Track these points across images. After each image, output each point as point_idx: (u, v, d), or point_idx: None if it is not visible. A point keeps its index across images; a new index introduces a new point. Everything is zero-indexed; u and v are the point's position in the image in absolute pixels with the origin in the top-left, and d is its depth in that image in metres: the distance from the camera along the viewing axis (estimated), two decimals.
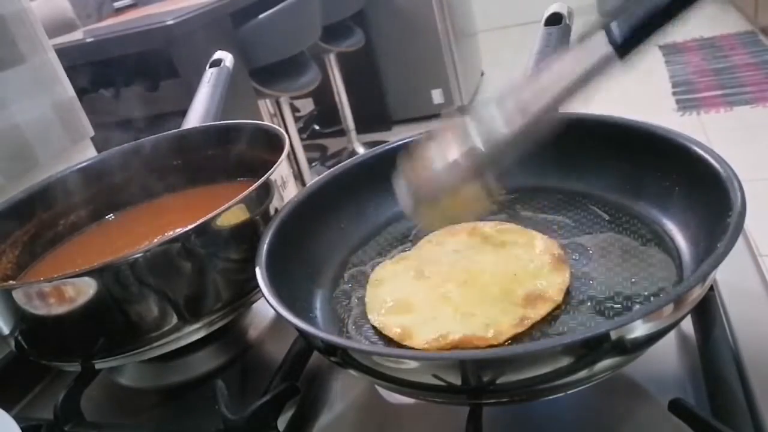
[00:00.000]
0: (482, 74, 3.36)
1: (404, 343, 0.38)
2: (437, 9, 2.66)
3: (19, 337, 0.45)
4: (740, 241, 0.43)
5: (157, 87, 1.67)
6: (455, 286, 0.42)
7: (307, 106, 2.94)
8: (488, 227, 0.47)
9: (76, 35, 1.85)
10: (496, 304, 0.39)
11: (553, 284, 0.40)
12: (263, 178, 0.46)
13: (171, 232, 0.48)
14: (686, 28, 3.23)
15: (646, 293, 0.38)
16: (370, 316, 0.42)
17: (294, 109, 2.56)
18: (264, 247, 0.41)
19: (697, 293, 0.32)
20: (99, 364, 0.44)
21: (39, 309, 0.41)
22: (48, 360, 0.46)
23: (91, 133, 0.75)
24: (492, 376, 0.30)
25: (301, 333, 0.36)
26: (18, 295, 0.41)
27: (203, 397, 0.46)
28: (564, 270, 0.41)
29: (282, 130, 0.53)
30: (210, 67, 0.71)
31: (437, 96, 2.82)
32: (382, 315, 0.41)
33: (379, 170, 0.52)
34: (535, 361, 0.29)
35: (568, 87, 0.35)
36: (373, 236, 0.51)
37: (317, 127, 2.94)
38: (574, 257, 0.43)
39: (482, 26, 3.65)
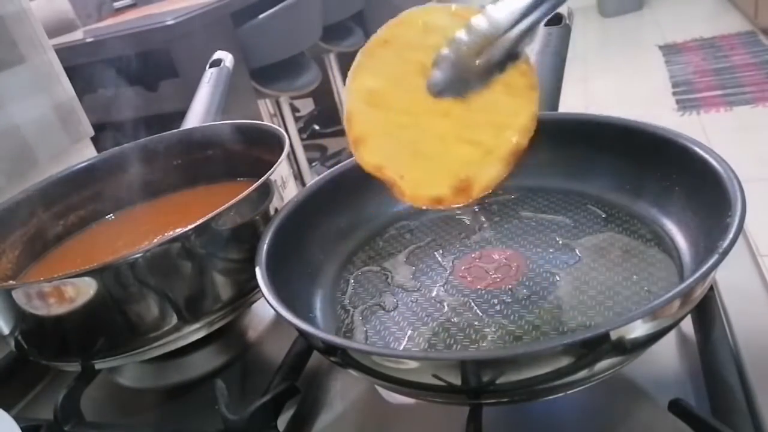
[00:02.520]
0: None
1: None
2: None
3: (19, 337, 0.45)
4: (740, 241, 0.43)
5: (157, 87, 1.67)
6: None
7: (307, 106, 2.94)
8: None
9: (76, 35, 1.85)
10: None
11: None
12: (263, 178, 0.46)
13: (171, 232, 0.48)
14: (686, 28, 3.24)
15: (645, 293, 0.38)
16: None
17: (294, 109, 2.56)
18: (264, 247, 0.41)
19: (697, 293, 0.32)
20: (99, 364, 0.44)
21: (39, 309, 0.41)
22: (48, 360, 0.46)
23: (91, 133, 0.75)
24: (492, 376, 0.30)
25: (301, 333, 0.36)
26: (18, 295, 0.41)
27: (203, 397, 0.46)
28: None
29: (282, 130, 0.53)
30: (210, 67, 0.71)
31: None
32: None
33: None
34: (535, 361, 0.29)
35: None
36: (373, 236, 0.51)
37: (317, 127, 2.94)
38: (573, 257, 0.43)
39: None
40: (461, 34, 0.38)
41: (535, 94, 0.38)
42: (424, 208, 0.40)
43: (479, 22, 0.37)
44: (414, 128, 0.39)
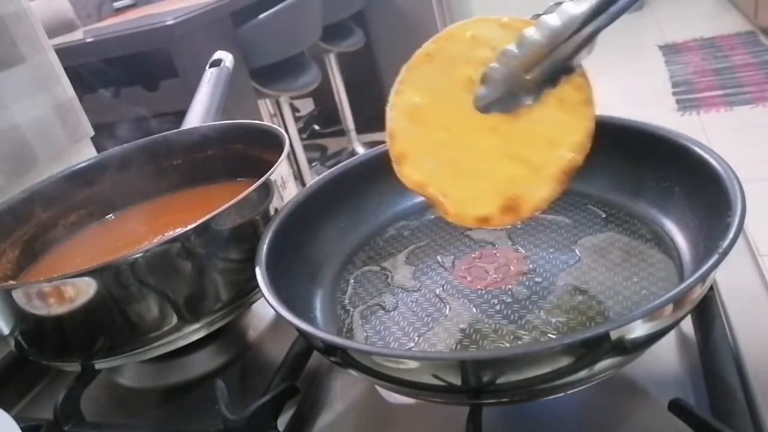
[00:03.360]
0: None
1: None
2: (437, 9, 2.66)
3: (19, 337, 0.45)
4: (740, 241, 0.43)
5: (157, 87, 1.67)
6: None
7: (307, 106, 2.94)
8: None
9: (76, 35, 1.85)
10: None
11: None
12: (263, 178, 0.46)
13: (171, 232, 0.48)
14: (686, 28, 3.24)
15: (645, 293, 0.38)
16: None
17: (294, 109, 2.56)
18: (264, 247, 0.41)
19: (697, 293, 0.32)
20: (99, 364, 0.44)
21: (39, 309, 0.41)
22: (48, 360, 0.46)
23: (91, 133, 0.75)
24: (492, 376, 0.30)
25: (301, 333, 0.36)
26: (18, 295, 0.41)
27: (203, 397, 0.46)
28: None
29: (282, 130, 0.53)
30: (210, 67, 0.71)
31: None
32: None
33: (379, 170, 0.52)
34: (535, 361, 0.29)
35: None
36: (374, 236, 0.51)
37: (317, 127, 2.94)
38: (573, 257, 0.43)
39: None
40: (512, 47, 0.36)
41: (592, 110, 0.37)
42: (470, 227, 0.39)
43: (532, 33, 0.35)
44: (459, 145, 0.38)
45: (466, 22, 0.38)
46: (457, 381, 0.31)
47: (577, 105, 0.37)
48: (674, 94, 2.55)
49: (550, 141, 0.37)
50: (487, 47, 0.37)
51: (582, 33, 0.34)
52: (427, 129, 0.39)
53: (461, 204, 0.38)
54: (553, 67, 0.36)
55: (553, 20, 0.35)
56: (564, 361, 0.29)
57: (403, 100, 0.39)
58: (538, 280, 0.42)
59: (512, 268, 0.44)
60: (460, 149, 0.38)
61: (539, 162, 0.37)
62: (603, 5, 0.34)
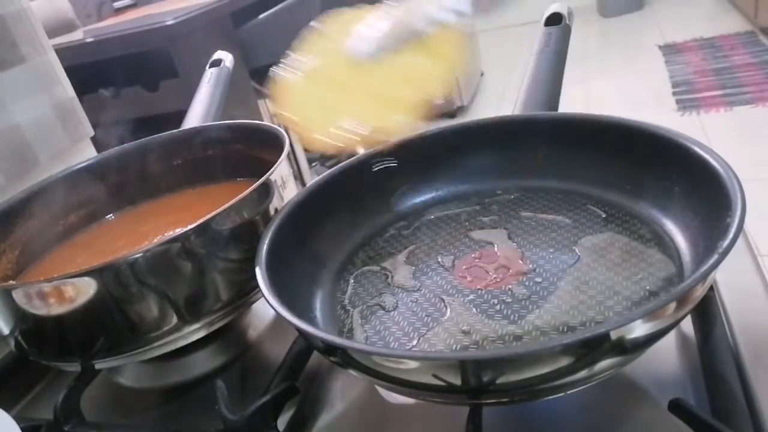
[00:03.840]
0: (482, 74, 3.36)
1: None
2: None
3: (19, 337, 0.45)
4: (740, 241, 0.43)
5: (157, 87, 1.67)
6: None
7: None
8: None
9: (76, 35, 1.85)
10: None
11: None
12: (263, 178, 0.46)
13: (171, 232, 0.48)
14: (686, 28, 3.24)
15: (645, 293, 0.38)
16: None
17: None
18: (264, 247, 0.41)
19: (698, 293, 0.32)
20: (99, 364, 0.44)
21: (39, 309, 0.41)
22: (48, 360, 0.46)
23: (91, 133, 0.75)
24: (492, 376, 0.30)
25: (301, 333, 0.36)
26: (18, 295, 0.41)
27: (203, 397, 0.46)
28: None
29: (282, 130, 0.53)
30: (210, 67, 0.71)
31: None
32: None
33: (379, 170, 0.52)
34: (535, 361, 0.29)
35: None
36: (374, 236, 0.51)
37: None
38: (573, 257, 0.43)
39: (482, 26, 3.66)
40: (380, 12, 0.45)
41: (453, 61, 0.45)
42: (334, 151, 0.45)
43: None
44: (337, 91, 0.46)
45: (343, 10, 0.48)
46: (457, 381, 0.31)
47: (439, 55, 0.45)
48: (674, 94, 2.55)
49: (415, 81, 0.45)
50: (361, 18, 0.47)
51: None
52: (313, 82, 0.47)
53: (322, 130, 0.45)
54: (417, 24, 0.44)
55: None
56: (564, 361, 0.29)
57: (300, 58, 0.48)
58: (538, 280, 0.42)
59: (512, 268, 0.44)
60: (338, 95, 0.47)
61: (402, 96, 0.45)
62: None
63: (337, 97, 0.46)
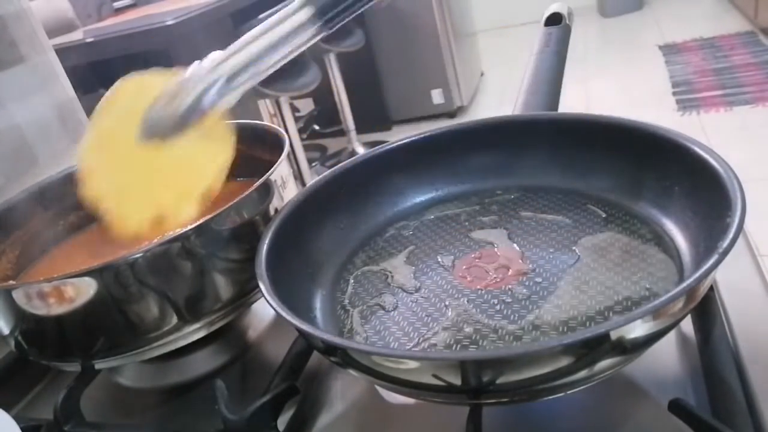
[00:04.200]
0: (482, 74, 3.36)
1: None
2: (437, 9, 2.66)
3: (19, 337, 0.45)
4: (740, 241, 0.43)
5: None
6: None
7: (307, 106, 2.94)
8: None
9: (76, 35, 1.85)
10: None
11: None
12: (263, 178, 0.46)
13: (171, 232, 0.48)
14: (686, 28, 3.24)
15: (645, 293, 0.38)
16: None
17: (294, 109, 2.56)
18: (264, 247, 0.41)
19: (697, 293, 0.32)
20: (99, 364, 0.44)
21: (39, 309, 0.41)
22: (48, 360, 0.46)
23: None
24: (492, 376, 0.30)
25: (301, 333, 0.36)
26: (18, 295, 0.41)
27: (203, 397, 0.46)
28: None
29: (282, 130, 0.53)
30: None
31: (437, 96, 2.83)
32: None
33: (379, 170, 0.52)
34: (535, 361, 0.29)
35: (274, 55, 0.43)
36: (373, 236, 0.51)
37: (317, 127, 2.94)
38: (573, 257, 0.43)
39: (482, 26, 3.66)
40: (162, 92, 0.45)
41: (228, 146, 0.46)
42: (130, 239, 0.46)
43: (174, 81, 0.45)
44: (126, 172, 0.47)
45: (133, 77, 0.48)
46: (457, 381, 0.31)
47: (215, 140, 0.46)
48: (674, 94, 2.55)
49: (194, 168, 0.46)
50: (148, 94, 0.46)
51: (202, 84, 0.43)
52: (105, 158, 0.48)
53: (121, 220, 0.47)
54: (189, 104, 0.44)
55: (186, 76, 0.44)
56: (564, 361, 0.29)
57: (91, 134, 0.49)
58: (538, 280, 0.42)
59: (512, 268, 0.44)
60: (127, 175, 0.48)
61: (184, 186, 0.46)
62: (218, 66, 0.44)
63: (130, 182, 0.48)
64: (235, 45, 0.43)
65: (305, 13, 0.41)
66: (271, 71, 0.44)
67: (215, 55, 0.44)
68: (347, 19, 0.42)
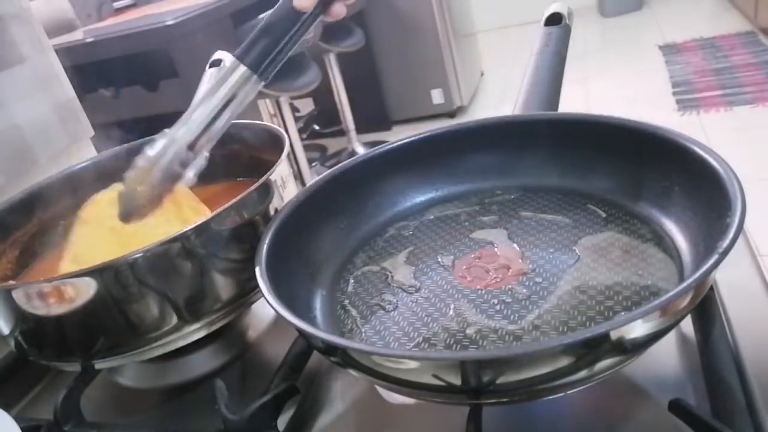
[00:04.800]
0: (482, 74, 3.36)
1: None
2: (437, 9, 2.66)
3: (19, 337, 0.45)
4: (740, 241, 0.43)
5: (157, 87, 1.67)
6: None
7: (307, 106, 2.94)
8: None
9: (76, 35, 1.85)
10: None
11: None
12: (263, 178, 0.46)
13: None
14: (686, 28, 3.24)
15: (645, 293, 0.38)
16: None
17: (294, 109, 2.56)
18: (264, 247, 0.41)
19: (698, 293, 0.32)
20: (99, 364, 0.44)
21: (39, 309, 0.41)
22: (48, 360, 0.46)
23: (91, 133, 0.75)
24: (492, 376, 0.30)
25: (301, 333, 0.36)
26: (18, 295, 0.41)
27: (203, 397, 0.46)
28: None
29: (282, 130, 0.53)
30: (210, 67, 0.71)
31: (437, 96, 2.83)
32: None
33: (379, 170, 0.52)
34: (535, 361, 0.29)
35: (224, 115, 0.46)
36: (373, 236, 0.51)
37: (317, 127, 2.94)
38: (573, 257, 0.43)
39: (482, 26, 3.66)
40: (128, 173, 0.48)
41: (202, 211, 0.50)
42: None
43: (139, 161, 0.47)
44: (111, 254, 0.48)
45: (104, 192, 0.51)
46: (457, 381, 0.31)
47: (190, 210, 0.49)
48: (674, 94, 2.55)
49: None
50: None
51: (163, 160, 0.46)
52: (90, 245, 0.50)
53: None
54: (162, 180, 0.47)
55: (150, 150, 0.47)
56: (564, 361, 0.29)
57: (76, 230, 0.51)
58: (538, 280, 0.42)
59: (512, 268, 0.44)
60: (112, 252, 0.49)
61: None
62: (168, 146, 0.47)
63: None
64: (185, 116, 0.47)
65: (240, 72, 0.45)
66: (225, 129, 0.47)
67: (168, 131, 0.47)
68: (279, 65, 0.46)
